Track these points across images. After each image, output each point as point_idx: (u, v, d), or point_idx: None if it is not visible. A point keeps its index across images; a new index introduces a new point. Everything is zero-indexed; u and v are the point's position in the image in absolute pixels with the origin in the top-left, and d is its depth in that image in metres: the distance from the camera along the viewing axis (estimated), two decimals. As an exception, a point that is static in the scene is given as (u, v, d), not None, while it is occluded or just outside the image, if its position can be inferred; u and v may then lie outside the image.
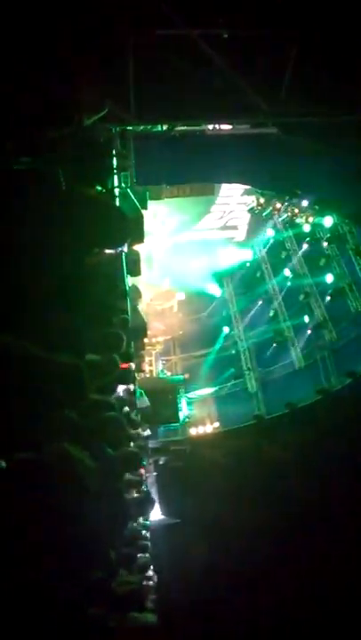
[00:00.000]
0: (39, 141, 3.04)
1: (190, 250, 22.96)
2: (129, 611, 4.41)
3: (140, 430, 10.77)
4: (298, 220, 18.82)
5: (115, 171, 8.43)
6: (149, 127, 8.77)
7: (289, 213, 18.60)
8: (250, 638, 11.39)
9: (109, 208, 2.95)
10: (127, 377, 5.85)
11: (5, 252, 2.52)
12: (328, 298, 20.25)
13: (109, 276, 4.40)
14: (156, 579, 10.04)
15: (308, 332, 21.02)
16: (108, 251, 4.56)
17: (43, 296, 2.96)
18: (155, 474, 18.94)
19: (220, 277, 25.05)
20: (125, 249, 5.74)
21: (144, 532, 8.95)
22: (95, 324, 3.81)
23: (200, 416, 21.43)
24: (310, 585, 11.94)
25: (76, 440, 2.86)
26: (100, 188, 5.81)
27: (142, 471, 9.41)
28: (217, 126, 8.79)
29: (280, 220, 19.59)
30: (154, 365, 21.68)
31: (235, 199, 21.23)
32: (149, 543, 8.70)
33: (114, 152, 8.85)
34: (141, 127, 8.86)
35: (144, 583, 7.42)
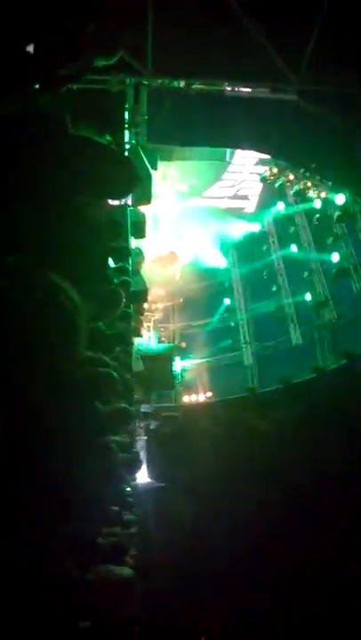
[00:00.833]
0: (47, 78, 2.86)
1: (198, 216, 22.61)
2: (109, 563, 4.46)
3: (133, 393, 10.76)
4: (310, 194, 18.38)
5: (126, 124, 8.15)
6: (165, 82, 8.41)
7: (301, 186, 18.14)
8: (223, 603, 11.71)
9: (116, 156, 2.79)
10: (124, 338, 5.75)
11: (9, 194, 2.41)
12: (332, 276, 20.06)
13: (112, 232, 4.24)
14: (138, 537, 10.21)
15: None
16: (111, 202, 4.40)
17: (43, 244, 2.86)
18: (145, 438, 19.14)
19: (225, 247, 24.74)
20: (130, 202, 5.55)
21: (129, 490, 9.04)
22: (95, 279, 3.71)
23: (194, 384, 21.54)
24: (296, 559, 12.20)
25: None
26: (109, 138, 5.59)
27: (132, 432, 9.45)
28: (236, 88, 8.44)
29: (292, 192, 19.12)
30: (152, 331, 21.66)
31: (247, 168, 20.75)
32: (134, 502, 8.80)
33: (126, 105, 8.55)
34: (158, 82, 8.51)
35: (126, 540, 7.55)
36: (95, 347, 4.58)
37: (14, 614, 1.72)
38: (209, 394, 21.08)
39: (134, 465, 5.53)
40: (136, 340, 18.85)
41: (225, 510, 13.90)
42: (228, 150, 17.23)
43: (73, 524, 3.33)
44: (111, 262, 4.67)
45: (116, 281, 5.41)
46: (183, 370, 21.46)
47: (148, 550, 11.11)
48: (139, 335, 19.85)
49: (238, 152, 19.12)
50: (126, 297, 7.33)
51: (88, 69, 3.15)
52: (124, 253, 6.96)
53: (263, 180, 19.41)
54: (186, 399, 20.92)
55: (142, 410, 18.81)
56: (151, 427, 19.66)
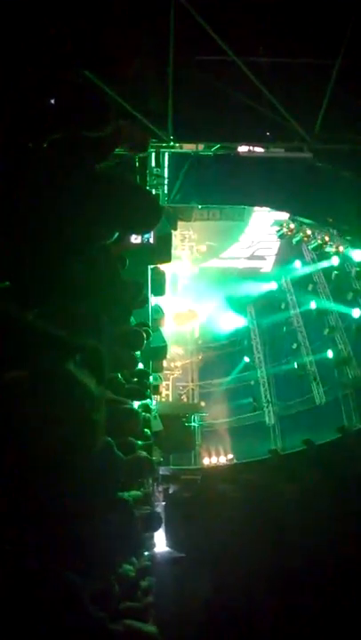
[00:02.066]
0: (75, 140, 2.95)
1: (216, 277, 22.93)
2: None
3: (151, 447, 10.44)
4: (328, 249, 18.51)
5: (147, 186, 8.43)
6: (182, 147, 8.78)
7: (319, 241, 18.30)
8: None
9: (139, 189, 2.81)
10: (143, 391, 5.63)
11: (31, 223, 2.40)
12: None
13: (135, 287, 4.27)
14: (156, 607, 9.57)
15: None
16: (133, 241, 4.45)
17: (66, 280, 2.85)
18: (163, 503, 18.41)
19: (243, 306, 24.85)
20: (152, 240, 5.62)
21: (148, 555, 8.56)
22: (116, 319, 3.69)
23: (214, 445, 20.92)
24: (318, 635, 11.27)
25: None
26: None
27: (150, 495, 9.07)
28: (251, 148, 8.75)
29: (309, 247, 19.28)
30: (170, 390, 21.40)
31: (264, 229, 21.19)
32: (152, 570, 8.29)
33: (147, 170, 8.88)
34: (179, 148, 8.89)
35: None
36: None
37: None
38: (230, 456, 20.39)
39: (153, 521, 5.23)
40: (155, 399, 18.62)
41: (246, 582, 13.05)
42: (246, 211, 17.70)
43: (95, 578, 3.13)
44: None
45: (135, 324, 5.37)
46: (201, 428, 20.95)
47: (166, 622, 10.38)
48: (158, 393, 19.63)
49: (255, 213, 19.60)
50: (145, 347, 7.26)
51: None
52: (143, 300, 6.93)
53: (281, 236, 19.73)
54: (206, 461, 20.24)
55: (161, 472, 18.20)
56: (170, 491, 18.95)
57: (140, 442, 7.54)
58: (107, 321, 3.48)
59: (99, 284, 3.27)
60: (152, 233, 5.61)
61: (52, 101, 2.95)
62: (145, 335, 7.18)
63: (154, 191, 8.65)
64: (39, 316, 2.11)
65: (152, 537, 14.70)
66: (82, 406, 1.43)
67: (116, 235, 3.18)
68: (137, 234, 4.46)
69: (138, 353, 5.18)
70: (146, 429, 8.32)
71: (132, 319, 5.53)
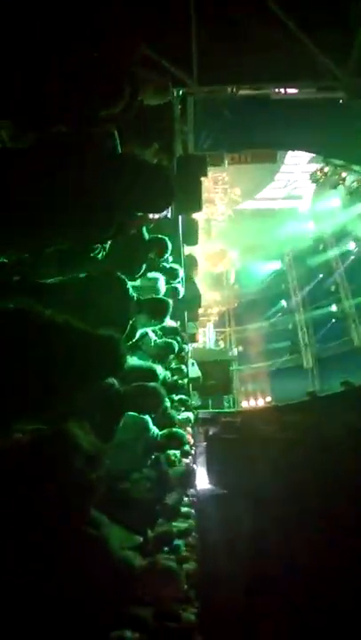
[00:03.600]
0: (93, 117, 2.89)
1: (251, 219, 22.41)
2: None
3: (189, 400, 10.77)
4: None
5: (174, 135, 8.18)
6: (211, 91, 8.39)
7: (356, 183, 17.46)
8: (287, 619, 11.37)
9: (150, 169, 2.80)
10: (174, 347, 5.79)
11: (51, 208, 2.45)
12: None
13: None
14: (199, 546, 10.20)
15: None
16: (151, 217, 4.45)
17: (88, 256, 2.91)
18: (204, 444, 19.10)
19: (280, 248, 24.34)
20: (169, 214, 5.55)
21: (187, 499, 9.08)
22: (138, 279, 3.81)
23: (252, 389, 21.28)
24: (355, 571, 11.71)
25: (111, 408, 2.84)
26: (157, 147, 5.63)
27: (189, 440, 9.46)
28: (282, 90, 8.29)
29: (345, 190, 18.45)
30: (207, 336, 21.63)
31: (300, 167, 20.31)
32: (193, 511, 8.83)
33: (173, 115, 8.58)
34: (204, 91, 8.51)
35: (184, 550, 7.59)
36: (144, 354, 4.66)
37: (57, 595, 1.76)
38: (268, 398, 20.73)
39: (187, 478, 5.57)
40: (192, 346, 18.92)
41: (288, 519, 13.56)
42: (279, 153, 16.95)
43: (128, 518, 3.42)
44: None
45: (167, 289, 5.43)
46: (239, 372, 21.27)
47: (209, 559, 11.04)
48: (194, 341, 19.91)
49: (290, 153, 18.76)
50: (178, 304, 7.36)
51: (133, 109, 3.16)
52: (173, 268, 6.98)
53: (314, 180, 18.90)
54: (245, 404, 20.69)
55: (201, 416, 18.79)
56: (210, 432, 19.59)
57: (175, 396, 7.82)
58: (128, 287, 3.55)
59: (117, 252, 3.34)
60: (169, 209, 5.50)
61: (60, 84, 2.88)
62: (176, 293, 7.25)
63: (178, 138, 8.39)
64: (57, 305, 2.18)
65: (194, 476, 15.47)
66: (76, 468, 1.50)
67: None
68: (152, 213, 4.44)
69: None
70: (182, 380, 8.59)
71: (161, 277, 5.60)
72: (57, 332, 1.88)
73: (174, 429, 4.51)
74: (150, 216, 4.46)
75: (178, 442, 4.47)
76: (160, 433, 4.09)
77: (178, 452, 5.25)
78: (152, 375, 3.70)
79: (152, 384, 3.49)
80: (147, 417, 3.53)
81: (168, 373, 6.54)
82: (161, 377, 4.37)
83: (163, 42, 6.87)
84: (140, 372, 3.61)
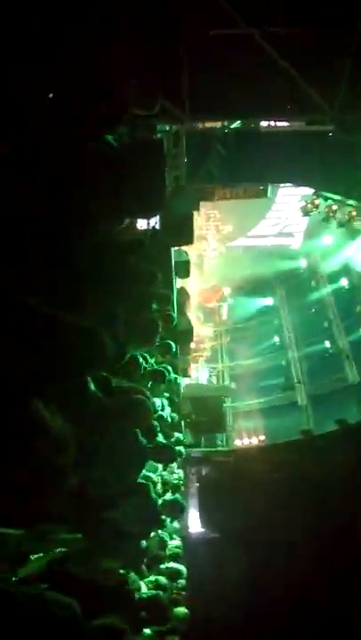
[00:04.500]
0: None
1: (243, 255, 22.56)
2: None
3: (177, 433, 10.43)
4: (355, 224, 17.80)
5: (166, 170, 8.22)
6: (203, 125, 8.50)
7: (346, 216, 17.63)
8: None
9: (146, 171, 2.68)
10: (166, 376, 5.56)
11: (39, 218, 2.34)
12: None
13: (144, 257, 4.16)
14: (190, 589, 9.65)
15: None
16: (138, 227, 4.31)
17: (76, 265, 2.78)
18: (196, 484, 18.51)
19: (272, 285, 24.42)
20: (157, 225, 5.45)
21: (177, 541, 8.59)
22: (131, 307, 3.61)
23: (246, 427, 20.83)
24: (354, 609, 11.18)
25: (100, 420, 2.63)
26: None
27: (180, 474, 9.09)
28: (272, 123, 8.41)
29: (336, 223, 18.61)
30: (200, 372, 21.33)
31: (291, 205, 20.60)
32: (181, 552, 8.34)
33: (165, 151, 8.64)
34: (198, 126, 8.63)
35: (175, 592, 7.12)
36: (132, 380, 4.41)
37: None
38: (262, 437, 20.27)
39: (176, 508, 5.22)
40: (184, 381, 18.59)
41: (280, 562, 13.01)
42: (270, 188, 17.21)
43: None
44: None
45: (155, 310, 5.25)
46: (232, 409, 20.87)
47: (201, 603, 10.47)
48: (187, 376, 19.59)
49: (281, 189, 19.05)
50: (169, 330, 7.14)
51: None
52: (164, 296, 6.81)
53: (305, 213, 19.13)
54: (238, 443, 20.19)
55: (193, 455, 18.27)
56: (203, 473, 19.02)
57: (166, 427, 7.50)
58: (119, 310, 3.36)
59: (106, 272, 3.16)
60: (157, 219, 5.42)
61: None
62: (169, 319, 7.02)
63: (170, 172, 8.43)
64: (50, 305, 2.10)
65: (185, 519, 14.88)
66: (43, 451, 1.35)
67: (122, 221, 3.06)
68: (142, 217, 4.32)
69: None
70: (171, 413, 8.29)
71: (153, 306, 5.42)
72: (41, 322, 1.80)
73: (163, 441, 4.22)
74: (138, 226, 4.34)
75: (168, 455, 4.18)
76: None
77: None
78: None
79: (139, 395, 3.27)
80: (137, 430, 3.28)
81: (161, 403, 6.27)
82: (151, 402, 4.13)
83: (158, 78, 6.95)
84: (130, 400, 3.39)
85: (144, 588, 4.13)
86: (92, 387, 2.50)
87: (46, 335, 1.77)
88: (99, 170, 2.64)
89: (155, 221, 5.35)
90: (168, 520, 7.06)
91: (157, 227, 5.47)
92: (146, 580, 4.49)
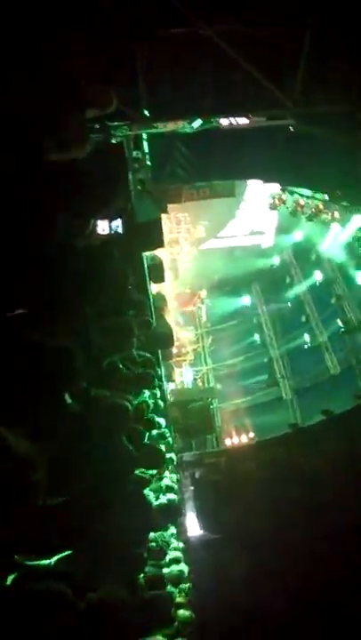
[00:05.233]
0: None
1: (217, 257, 22.68)
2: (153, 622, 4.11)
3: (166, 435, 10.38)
4: (323, 217, 18.09)
5: (128, 172, 8.25)
6: (163, 127, 8.57)
7: (313, 210, 17.91)
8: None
9: (92, 175, 2.71)
10: (149, 378, 5.56)
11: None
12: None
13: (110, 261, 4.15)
14: (194, 592, 9.58)
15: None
16: (101, 232, 4.32)
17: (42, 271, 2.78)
18: (192, 488, 18.44)
19: (248, 284, 24.63)
20: (120, 229, 5.46)
21: (178, 544, 8.55)
22: (103, 311, 3.62)
23: (235, 427, 20.89)
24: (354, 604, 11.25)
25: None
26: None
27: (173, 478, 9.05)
28: (233, 121, 8.53)
29: (305, 217, 18.90)
30: (184, 376, 21.35)
31: (260, 203, 20.82)
32: (182, 555, 8.30)
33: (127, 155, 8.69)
34: (158, 128, 8.69)
35: (177, 596, 7.09)
36: (114, 387, 4.40)
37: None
38: (251, 434, 20.35)
39: (172, 512, 5.20)
40: (170, 387, 18.57)
41: (280, 557, 13.05)
42: (238, 187, 17.39)
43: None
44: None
45: (132, 316, 5.26)
46: (220, 410, 20.91)
47: (206, 606, 10.43)
48: (171, 381, 19.58)
49: (249, 187, 19.26)
50: (149, 336, 7.13)
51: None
52: (139, 302, 6.85)
53: (273, 209, 19.38)
54: (228, 442, 20.22)
55: (185, 459, 18.23)
56: (196, 476, 18.96)
57: (153, 431, 7.49)
58: (92, 314, 3.38)
59: (75, 275, 3.17)
60: (120, 221, 5.43)
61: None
62: (147, 325, 7.01)
63: (133, 176, 8.47)
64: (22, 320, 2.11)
65: (183, 523, 14.80)
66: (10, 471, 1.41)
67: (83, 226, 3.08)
68: (101, 216, 4.33)
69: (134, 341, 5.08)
70: (158, 418, 8.26)
71: (130, 312, 5.42)
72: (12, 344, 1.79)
73: (152, 445, 4.22)
74: (100, 231, 4.35)
75: (156, 459, 4.18)
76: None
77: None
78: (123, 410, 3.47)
79: (122, 401, 3.27)
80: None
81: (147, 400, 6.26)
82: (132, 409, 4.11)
83: (114, 81, 7.00)
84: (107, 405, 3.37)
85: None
86: (69, 401, 2.50)
87: (16, 359, 1.77)
88: (55, 175, 2.65)
89: (117, 225, 5.34)
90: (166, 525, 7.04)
91: (120, 230, 5.44)
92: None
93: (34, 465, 1.51)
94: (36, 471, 1.51)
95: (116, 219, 5.32)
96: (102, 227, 4.57)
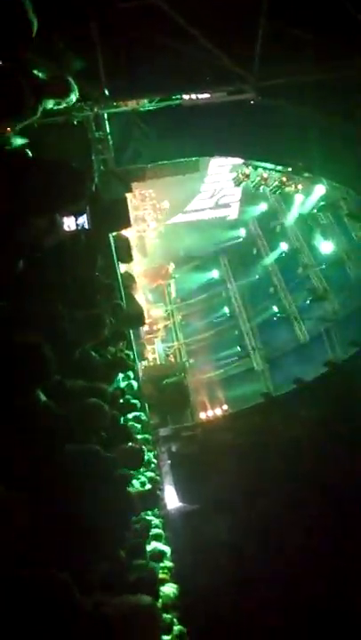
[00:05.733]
0: None
1: (183, 231, 22.62)
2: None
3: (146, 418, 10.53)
4: (287, 190, 18.23)
5: (92, 153, 8.09)
6: (124, 105, 8.39)
7: (277, 182, 18.01)
8: (275, 630, 11.23)
9: (58, 165, 2.67)
10: (121, 364, 5.60)
11: None
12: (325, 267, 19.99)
13: (81, 255, 4.12)
14: (175, 567, 9.88)
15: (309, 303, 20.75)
16: (67, 229, 4.28)
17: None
18: (169, 462, 18.77)
19: (215, 257, 24.70)
20: (86, 224, 5.40)
21: (157, 521, 8.77)
22: (74, 303, 3.60)
23: (208, 400, 21.23)
24: (333, 566, 11.80)
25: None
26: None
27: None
28: (193, 97, 8.41)
29: (269, 190, 19.01)
30: (157, 353, 21.45)
31: (224, 176, 20.76)
32: (163, 532, 8.52)
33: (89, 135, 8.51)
34: (118, 107, 8.49)
35: (160, 572, 7.30)
36: (88, 375, 4.42)
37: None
38: (225, 406, 20.74)
39: (150, 497, 5.32)
40: (142, 364, 18.66)
41: (262, 523, 13.52)
42: (201, 161, 17.25)
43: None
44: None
45: (102, 301, 5.25)
46: (193, 384, 21.18)
47: (190, 576, 10.76)
48: (144, 359, 19.67)
49: (213, 162, 19.13)
50: (120, 319, 7.13)
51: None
52: (108, 286, 6.81)
53: (237, 183, 19.37)
54: (203, 416, 20.58)
55: (161, 434, 18.49)
56: (173, 449, 19.29)
57: (129, 415, 7.56)
58: (62, 305, 3.36)
59: (44, 270, 3.15)
60: (85, 217, 5.34)
61: None
62: (118, 308, 6.99)
63: (96, 156, 8.31)
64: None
65: (162, 497, 15.11)
66: None
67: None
68: (68, 211, 4.26)
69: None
70: (133, 400, 8.36)
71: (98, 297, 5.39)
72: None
73: (131, 446, 4.28)
74: (66, 228, 4.29)
75: (137, 460, 4.26)
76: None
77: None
78: (98, 394, 3.49)
79: (94, 399, 3.29)
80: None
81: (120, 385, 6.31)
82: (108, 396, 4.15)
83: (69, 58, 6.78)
84: (83, 392, 3.40)
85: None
86: (43, 398, 2.49)
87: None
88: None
89: (83, 220, 5.24)
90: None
91: (87, 226, 5.33)
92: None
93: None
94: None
95: (83, 214, 5.23)
96: (68, 223, 4.49)
